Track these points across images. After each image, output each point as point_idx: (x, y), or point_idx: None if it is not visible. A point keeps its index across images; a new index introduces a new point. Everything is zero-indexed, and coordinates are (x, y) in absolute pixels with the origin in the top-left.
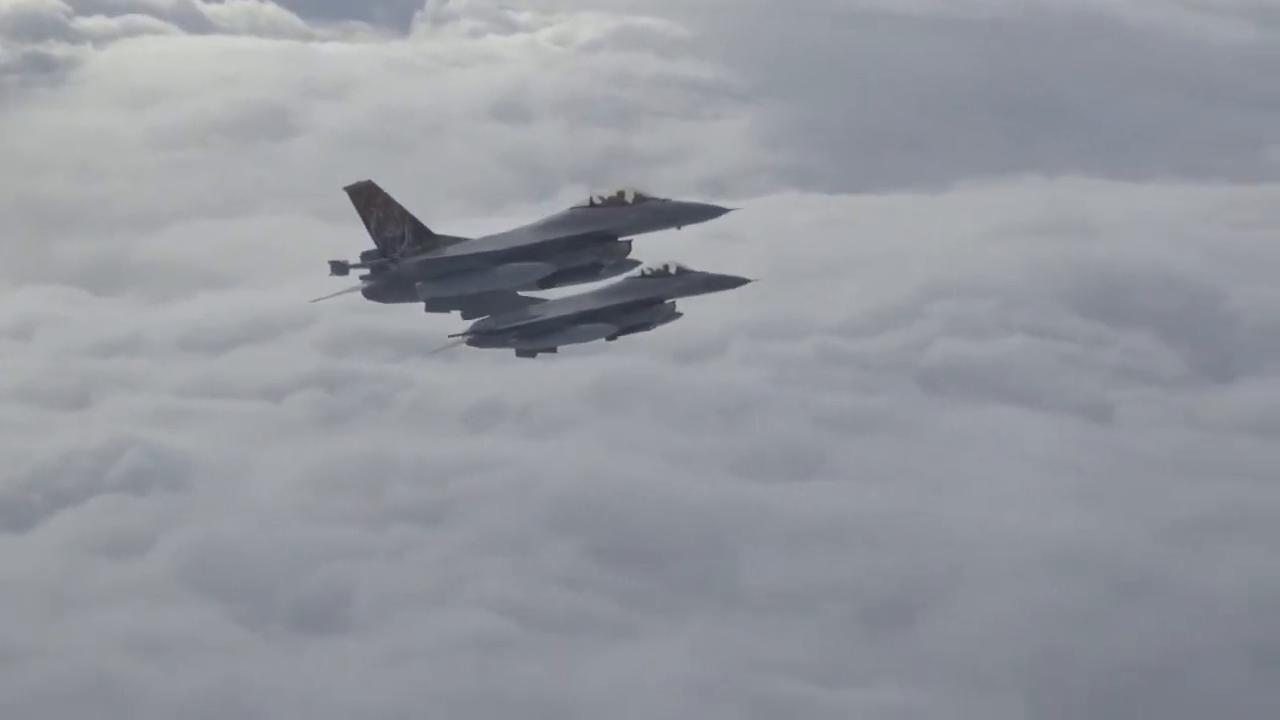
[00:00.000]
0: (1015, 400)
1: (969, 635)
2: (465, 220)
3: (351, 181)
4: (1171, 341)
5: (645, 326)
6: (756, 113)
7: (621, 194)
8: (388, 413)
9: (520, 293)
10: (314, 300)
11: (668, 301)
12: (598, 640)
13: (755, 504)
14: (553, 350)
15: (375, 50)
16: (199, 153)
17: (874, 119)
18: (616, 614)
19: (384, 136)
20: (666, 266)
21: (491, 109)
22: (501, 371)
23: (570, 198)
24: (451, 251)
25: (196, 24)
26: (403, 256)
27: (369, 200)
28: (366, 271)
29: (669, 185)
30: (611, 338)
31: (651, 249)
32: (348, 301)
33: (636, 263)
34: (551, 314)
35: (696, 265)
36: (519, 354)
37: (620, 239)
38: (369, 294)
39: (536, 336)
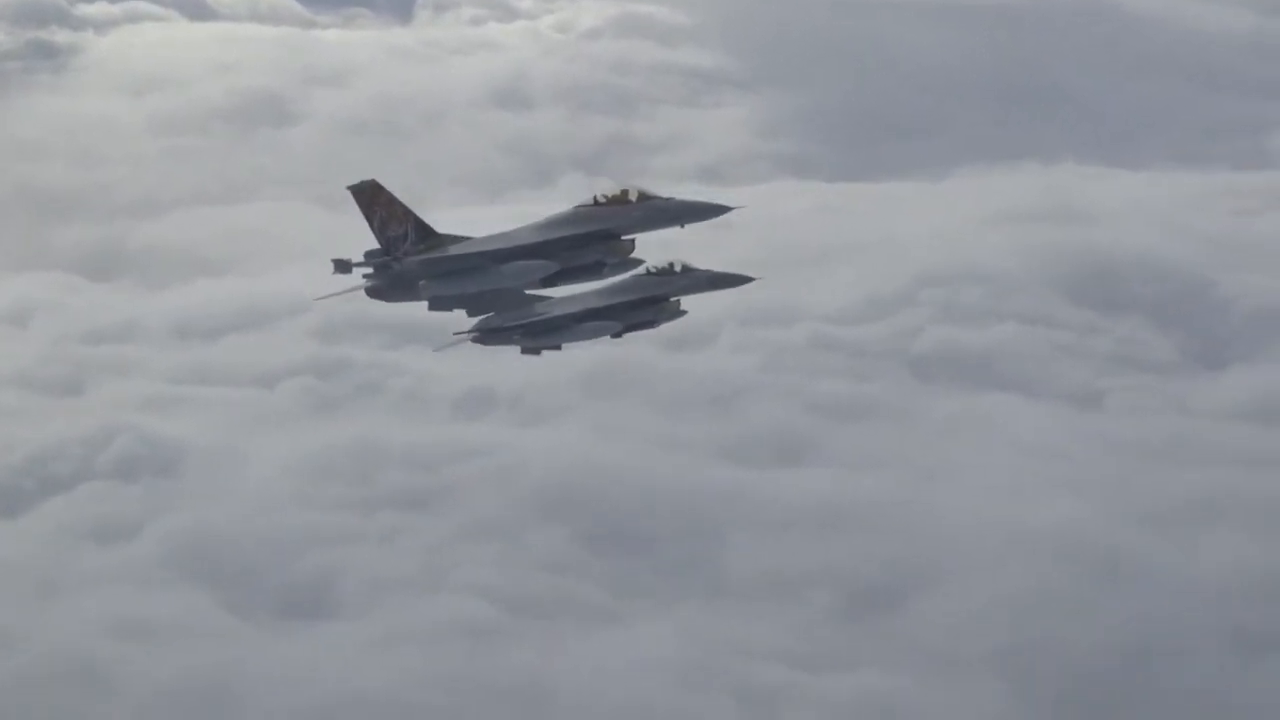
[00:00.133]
0: (1006, 388)
1: (953, 622)
2: (465, 208)
3: (354, 175)
4: (1164, 329)
5: (650, 324)
6: (755, 101)
7: (625, 192)
8: (380, 400)
9: (525, 291)
10: (318, 299)
11: (672, 299)
12: (584, 625)
13: (744, 490)
14: (557, 348)
15: (376, 37)
16: (199, 140)
17: (872, 107)
18: (603, 599)
19: (384, 124)
20: (671, 264)
21: (492, 96)
22: (494, 360)
23: (570, 185)
24: (454, 250)
25: (198, 11)
26: (406, 255)
27: (372, 199)
28: (370, 270)
29: (667, 172)
30: (617, 335)
31: (653, 246)
32: (333, 279)
33: (640, 261)
34: (557, 312)
35: (691, 254)
36: (524, 351)
37: (624, 237)
38: (372, 293)
39: (541, 334)
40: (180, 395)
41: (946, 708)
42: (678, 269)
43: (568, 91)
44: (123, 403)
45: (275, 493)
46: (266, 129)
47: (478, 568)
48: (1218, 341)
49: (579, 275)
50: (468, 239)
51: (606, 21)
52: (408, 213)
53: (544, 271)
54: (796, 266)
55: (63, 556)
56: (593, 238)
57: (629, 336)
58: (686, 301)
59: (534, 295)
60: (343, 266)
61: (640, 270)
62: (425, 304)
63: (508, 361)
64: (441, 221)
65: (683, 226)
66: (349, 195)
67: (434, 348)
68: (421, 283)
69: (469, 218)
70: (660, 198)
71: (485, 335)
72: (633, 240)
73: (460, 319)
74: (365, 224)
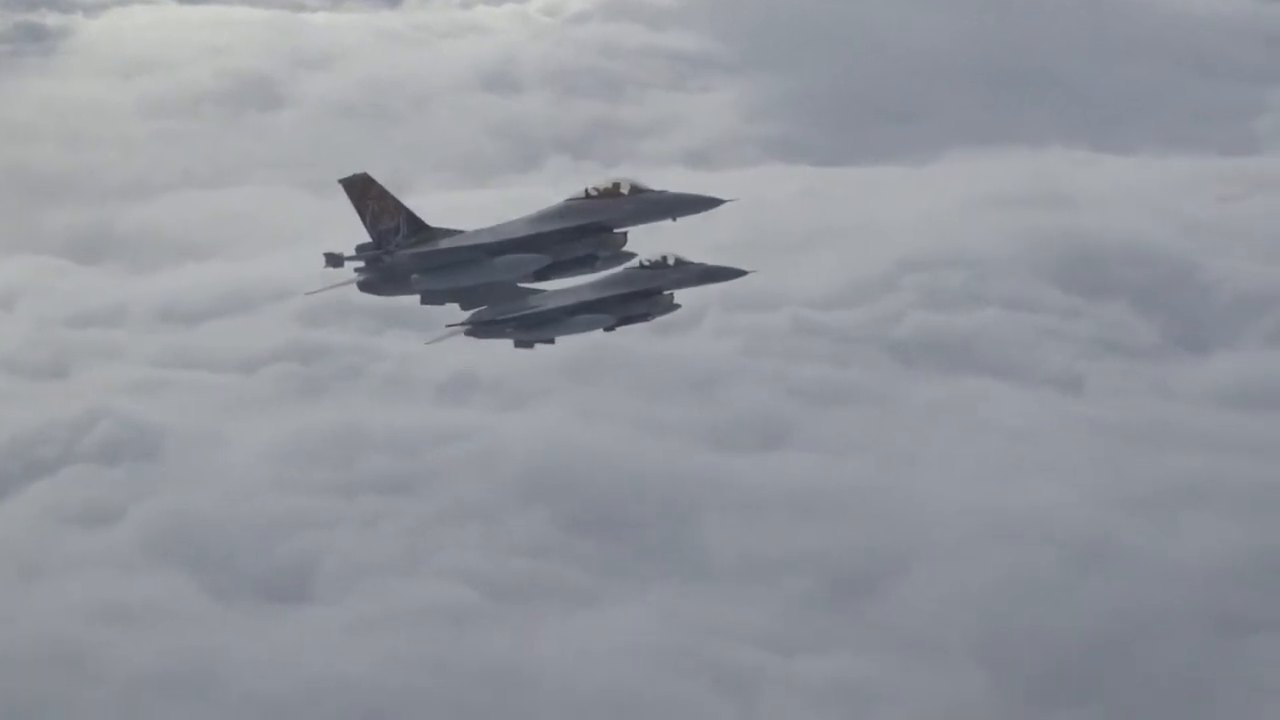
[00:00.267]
0: (987, 372)
1: (932, 606)
2: (453, 191)
3: (342, 159)
4: (1147, 314)
5: (644, 317)
6: (743, 85)
7: (616, 186)
8: (362, 384)
9: (518, 284)
10: (309, 293)
11: (666, 293)
12: (564, 609)
13: (725, 474)
14: (551, 341)
15: (365, 20)
16: (188, 123)
17: (861, 91)
18: (584, 583)
19: (373, 108)
20: (665, 258)
21: (481, 79)
22: (477, 344)
23: (557, 168)
24: (446, 243)
25: None
26: (397, 249)
27: (364, 192)
28: (361, 264)
29: (655, 156)
30: (610, 329)
31: (642, 234)
32: (324, 273)
33: (632, 254)
34: (550, 305)
35: (677, 238)
36: (517, 345)
37: (616, 231)
38: (364, 287)
39: (534, 327)
40: (164, 379)
41: (925, 692)
42: (671, 262)
43: (555, 75)
44: (107, 386)
45: (257, 477)
46: (255, 112)
47: (459, 551)
48: (1200, 326)
49: (571, 268)
50: (460, 232)
51: (594, 5)
52: (399, 206)
53: (535, 265)
54: (781, 251)
55: (46, 540)
56: (584, 231)
57: (621, 329)
58: (678, 293)
59: (527, 288)
60: (334, 260)
61: (633, 263)
62: (417, 297)
63: (491, 346)
64: (429, 205)
65: (675, 220)
66: (337, 180)
67: (426, 340)
68: (413, 276)
69: (456, 201)
70: (652, 191)
71: (478, 328)
72: (625, 233)
73: (453, 312)
74: (355, 215)
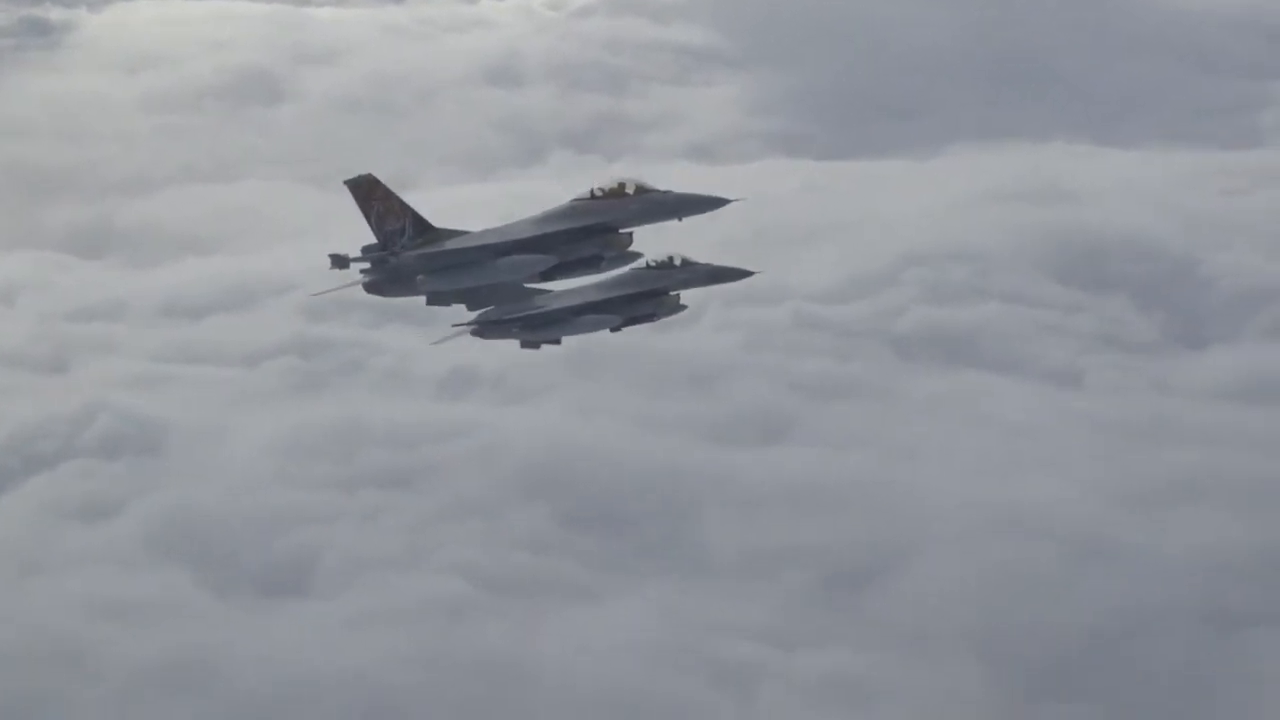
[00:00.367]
0: (988, 367)
1: (930, 601)
2: (457, 186)
3: (345, 154)
4: (1147, 309)
5: (650, 318)
6: (747, 79)
7: (622, 186)
8: (363, 379)
9: (525, 285)
10: (315, 294)
11: (672, 294)
12: (562, 604)
13: (725, 469)
14: (557, 342)
15: (369, 15)
16: (191, 118)
17: (864, 86)
18: (583, 578)
19: (376, 102)
20: (671, 258)
21: (485, 74)
22: (478, 340)
23: (561, 162)
24: (452, 244)
25: None
26: (403, 250)
27: (369, 193)
28: (367, 265)
29: (658, 151)
30: (616, 329)
31: (647, 231)
32: (330, 275)
33: (638, 255)
34: (556, 305)
35: (680, 233)
36: (523, 345)
37: (621, 231)
38: (370, 288)
39: (541, 327)
40: (164, 374)
41: (924, 687)
42: (677, 263)
43: (559, 69)
44: (107, 381)
45: (257, 472)
46: (258, 107)
47: (459, 546)
48: (1200, 321)
49: (577, 269)
50: (465, 233)
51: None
52: (405, 207)
53: (541, 266)
54: (783, 245)
55: (46, 535)
56: (590, 231)
57: (628, 330)
58: (684, 294)
59: (533, 289)
60: (340, 262)
61: (640, 264)
62: (423, 298)
63: (493, 344)
64: (433, 199)
65: (680, 219)
66: (339, 175)
67: (432, 341)
68: (419, 277)
69: (460, 196)
70: (658, 191)
71: (484, 328)
72: (630, 233)
73: (459, 311)
74: (359, 213)
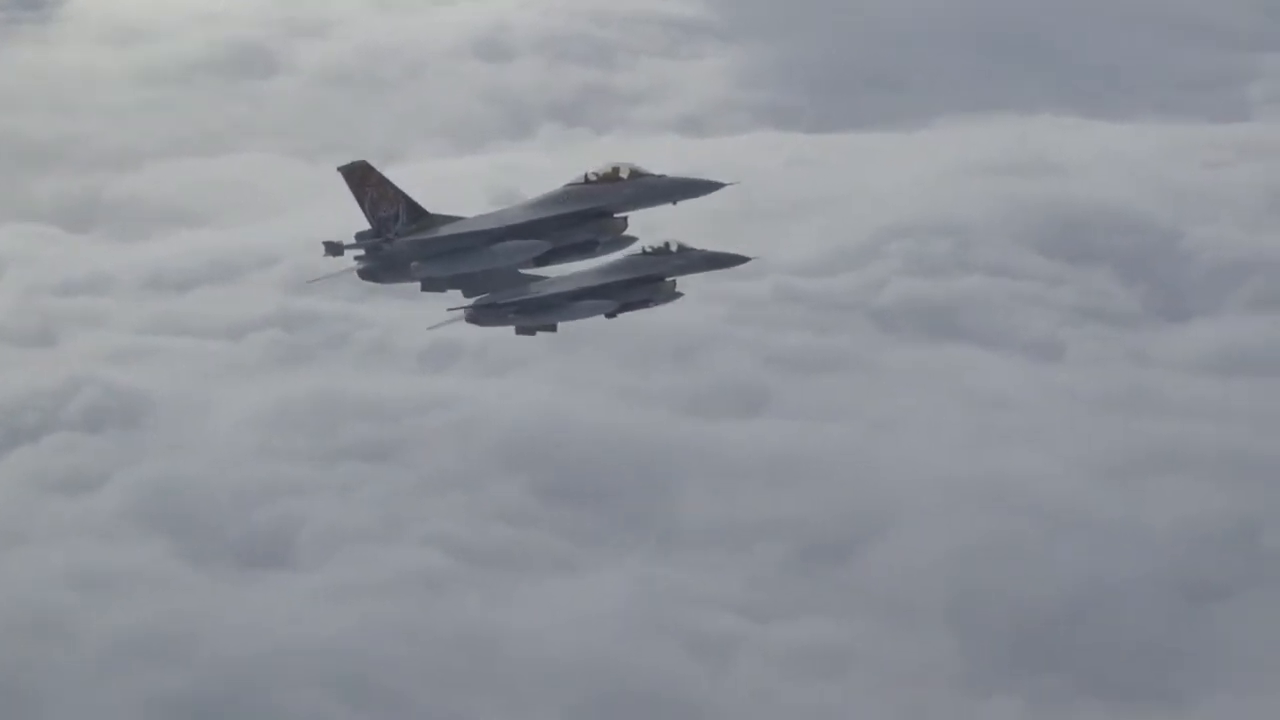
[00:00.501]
0: (969, 340)
1: (908, 572)
2: (446, 159)
3: (335, 127)
4: (1129, 281)
5: (646, 304)
6: (735, 51)
7: (616, 170)
8: (346, 352)
9: (520, 270)
10: (310, 281)
11: (668, 280)
12: (540, 575)
13: (706, 442)
14: (552, 327)
15: None
16: (181, 91)
17: (852, 58)
18: (562, 550)
19: (366, 75)
20: (667, 244)
21: (473, 47)
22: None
23: (549, 135)
24: (446, 230)
25: None
26: (397, 236)
27: (363, 180)
28: (361, 252)
29: (647, 123)
30: (611, 314)
31: (643, 220)
32: (311, 241)
33: (633, 239)
34: (552, 290)
35: (668, 207)
36: (518, 331)
37: (616, 215)
38: (364, 275)
39: (536, 313)
40: (148, 346)
41: (899, 657)
42: (673, 249)
43: (547, 42)
44: (92, 354)
45: (240, 444)
46: (249, 80)
47: (439, 519)
48: (1181, 294)
49: (572, 254)
50: (459, 219)
51: None
52: (399, 193)
53: (536, 251)
54: (771, 219)
55: (29, 506)
56: (584, 216)
57: (623, 316)
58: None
59: (529, 274)
60: (334, 249)
61: (636, 250)
62: (419, 285)
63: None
64: (422, 172)
65: (675, 204)
66: (330, 148)
67: (428, 326)
68: (413, 264)
69: (449, 169)
70: (652, 175)
71: (479, 314)
72: (625, 218)
73: (454, 296)
74: (348, 189)
